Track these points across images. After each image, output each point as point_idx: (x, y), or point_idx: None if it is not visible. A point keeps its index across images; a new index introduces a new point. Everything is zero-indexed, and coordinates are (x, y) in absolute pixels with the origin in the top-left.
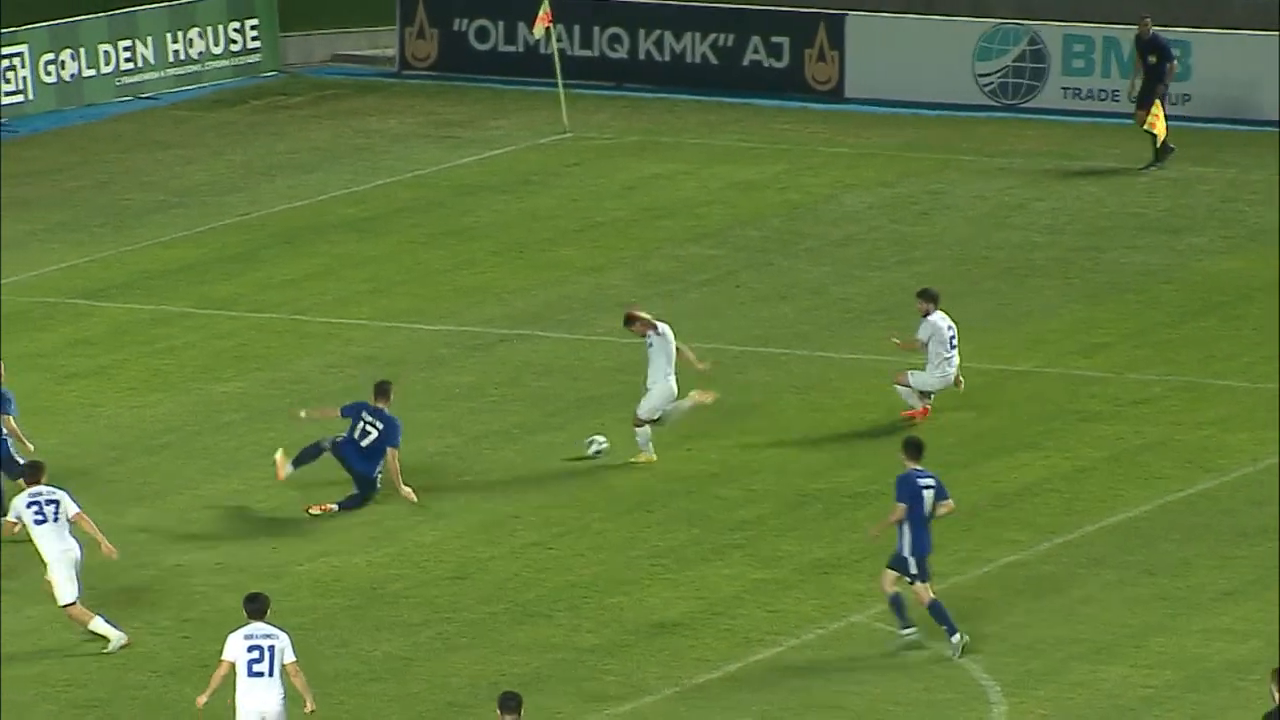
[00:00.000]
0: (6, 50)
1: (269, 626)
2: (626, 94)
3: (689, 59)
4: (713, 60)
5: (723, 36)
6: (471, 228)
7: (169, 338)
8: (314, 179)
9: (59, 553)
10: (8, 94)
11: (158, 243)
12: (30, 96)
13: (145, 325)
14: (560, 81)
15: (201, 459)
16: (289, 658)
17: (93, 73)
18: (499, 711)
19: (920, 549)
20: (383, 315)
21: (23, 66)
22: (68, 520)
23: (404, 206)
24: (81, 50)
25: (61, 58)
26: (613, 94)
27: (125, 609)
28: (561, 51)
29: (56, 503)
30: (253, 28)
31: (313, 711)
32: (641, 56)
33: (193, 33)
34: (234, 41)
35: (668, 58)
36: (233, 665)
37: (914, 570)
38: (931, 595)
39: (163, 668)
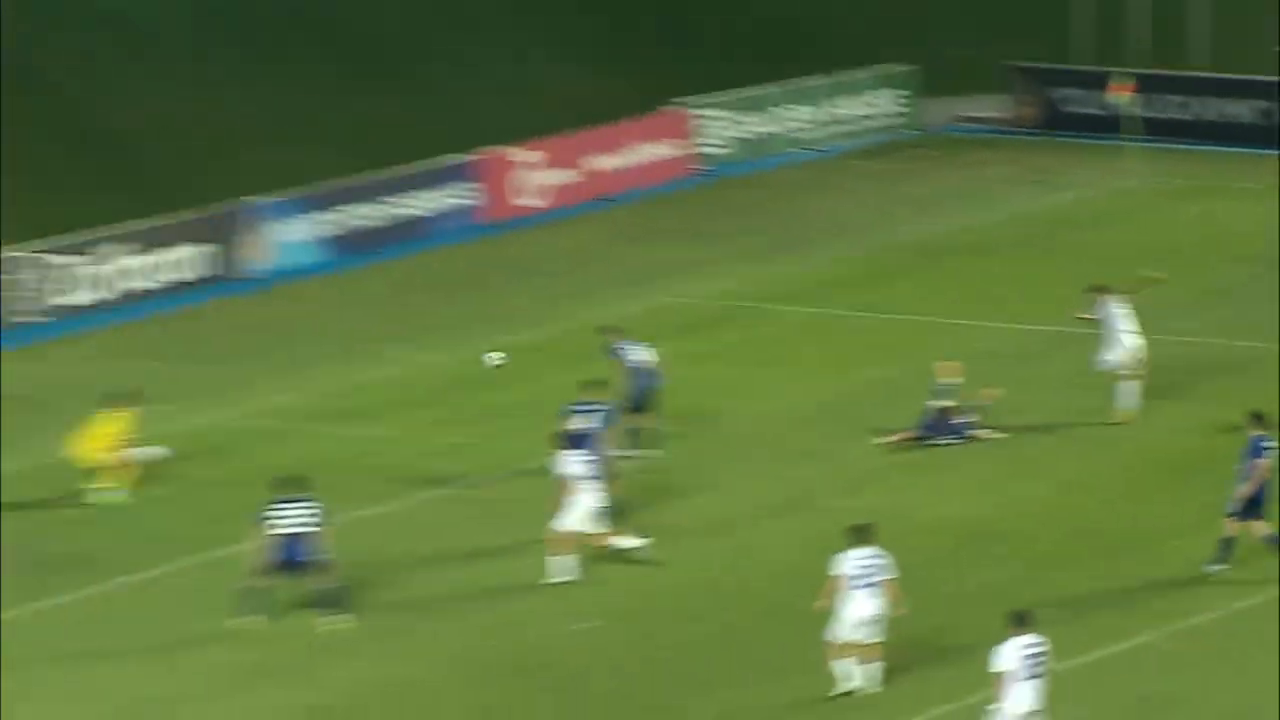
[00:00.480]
0: (707, 114)
1: (875, 549)
2: (1185, 148)
3: (1238, 120)
4: (1254, 120)
5: (1262, 102)
6: (1062, 252)
7: (831, 334)
8: (941, 214)
9: (593, 488)
10: (710, 146)
11: (822, 261)
12: (725, 149)
13: (811, 325)
14: (1135, 138)
15: (852, 428)
16: (890, 574)
17: (772, 130)
18: (1009, 626)
19: (1261, 496)
20: (992, 317)
21: (720, 126)
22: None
23: (1010, 236)
24: (764, 112)
25: (749, 118)
26: (1174, 148)
27: (796, 532)
28: (1137, 114)
29: (592, 460)
30: (899, 96)
31: (904, 615)
32: (1199, 118)
33: (852, 99)
34: (881, 105)
35: (1219, 119)
36: (842, 580)
37: (1257, 514)
38: (1268, 530)
39: (784, 573)
